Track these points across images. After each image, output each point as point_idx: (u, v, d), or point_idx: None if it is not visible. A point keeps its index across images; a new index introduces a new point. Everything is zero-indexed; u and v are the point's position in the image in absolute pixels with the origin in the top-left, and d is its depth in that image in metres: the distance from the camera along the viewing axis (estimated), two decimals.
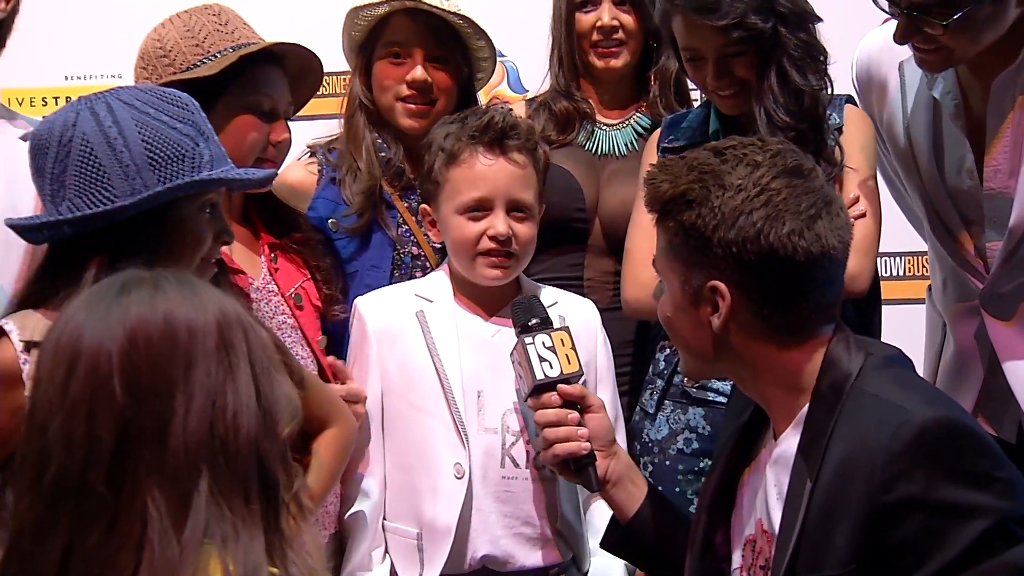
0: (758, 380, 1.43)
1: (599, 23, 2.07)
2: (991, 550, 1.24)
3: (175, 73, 1.73)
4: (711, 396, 1.90)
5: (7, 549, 1.07)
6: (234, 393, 1.07)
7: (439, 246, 1.95)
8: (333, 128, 2.12)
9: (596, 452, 1.58)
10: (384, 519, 1.79)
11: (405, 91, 1.99)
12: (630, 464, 1.64)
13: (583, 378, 1.66)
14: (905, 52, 1.83)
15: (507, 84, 3.09)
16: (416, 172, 2.01)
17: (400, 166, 2.02)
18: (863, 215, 1.82)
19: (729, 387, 1.87)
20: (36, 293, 1.42)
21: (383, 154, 2.02)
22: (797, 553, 1.32)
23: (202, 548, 1.04)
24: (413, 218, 2.02)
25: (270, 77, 1.80)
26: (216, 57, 1.75)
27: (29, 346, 1.35)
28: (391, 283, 1.98)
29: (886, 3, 1.70)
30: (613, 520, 1.62)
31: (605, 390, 1.83)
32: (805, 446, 1.35)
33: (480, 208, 1.74)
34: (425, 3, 1.96)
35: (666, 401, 1.94)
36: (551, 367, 1.59)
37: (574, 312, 1.83)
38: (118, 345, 1.05)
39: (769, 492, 1.41)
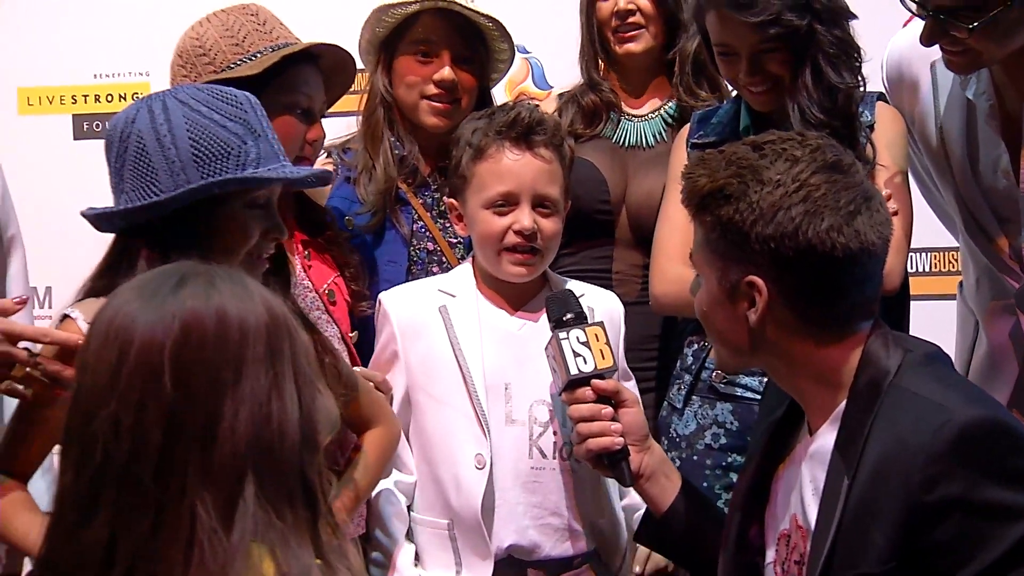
0: (794, 375, 1.42)
1: (616, 8, 2.09)
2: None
3: (215, 72, 1.76)
4: (739, 391, 1.91)
5: (52, 517, 1.09)
6: (280, 402, 1.09)
7: (455, 241, 1.99)
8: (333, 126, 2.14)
9: (630, 447, 1.59)
10: (412, 512, 1.81)
11: (432, 89, 2.02)
12: (663, 458, 1.64)
13: (616, 372, 1.66)
14: (937, 52, 1.82)
15: (531, 81, 3.11)
16: (430, 169, 2.05)
17: (414, 163, 2.06)
18: (895, 213, 1.81)
19: (757, 383, 1.89)
20: (99, 284, 1.48)
21: (397, 152, 2.05)
22: (834, 550, 1.32)
23: (252, 549, 1.05)
24: (428, 214, 2.06)
25: (307, 77, 1.83)
26: (255, 57, 1.78)
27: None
28: (408, 277, 2.02)
29: (913, 5, 1.70)
30: (647, 513, 1.63)
31: (627, 381, 1.84)
32: (842, 443, 1.35)
33: (506, 203, 1.76)
34: (457, 3, 2.00)
35: (694, 396, 1.95)
36: (585, 362, 1.60)
37: (599, 305, 1.84)
38: (172, 338, 1.06)
39: (804, 488, 1.41)
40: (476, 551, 1.76)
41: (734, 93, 2.00)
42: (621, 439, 1.57)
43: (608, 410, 1.58)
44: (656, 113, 2.18)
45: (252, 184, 1.46)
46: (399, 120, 2.07)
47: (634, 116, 2.17)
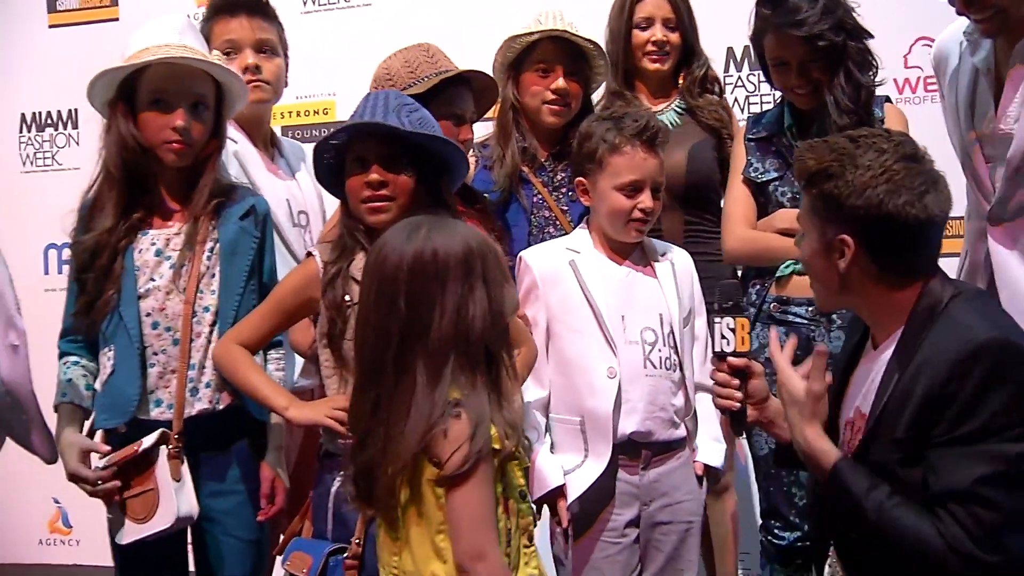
0: (871, 309, 1.78)
1: (653, 38, 2.74)
2: (1005, 439, 1.60)
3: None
4: (790, 318, 2.47)
5: (353, 389, 1.68)
6: (472, 304, 1.56)
7: (565, 209, 2.58)
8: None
9: (751, 406, 1.93)
10: (550, 413, 2.28)
11: (550, 96, 2.63)
12: (779, 409, 1.92)
13: (755, 355, 2.00)
14: (960, 37, 2.26)
15: None
16: (546, 155, 2.66)
17: (533, 152, 2.66)
18: None
19: (804, 311, 2.43)
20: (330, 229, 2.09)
21: (520, 144, 2.64)
22: (879, 423, 1.71)
23: (451, 392, 1.55)
24: (545, 189, 2.65)
25: (460, 93, 2.43)
26: (423, 80, 2.39)
27: (325, 264, 2.03)
28: (529, 238, 2.59)
29: None
30: (778, 444, 2.00)
31: (700, 316, 2.35)
32: (899, 352, 1.72)
33: (635, 188, 2.25)
34: (567, 32, 2.60)
35: (757, 323, 2.49)
36: (728, 344, 1.91)
37: (679, 258, 2.35)
38: (404, 274, 1.57)
39: (866, 386, 1.78)
40: (603, 439, 2.21)
41: (778, 98, 2.61)
42: (738, 404, 1.91)
43: (735, 381, 1.91)
44: (670, 107, 2.83)
45: (323, 147, 2.00)
46: (524, 120, 2.67)
47: (656, 110, 2.79)
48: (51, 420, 2.25)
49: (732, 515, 2.79)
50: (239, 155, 2.60)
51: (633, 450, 2.25)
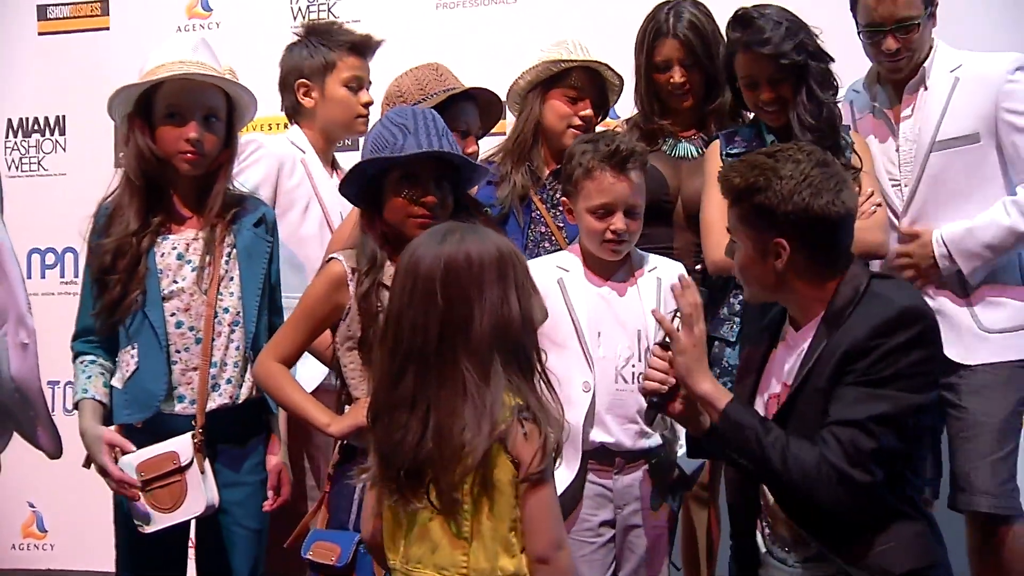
0: (801, 299, 1.99)
1: (672, 80, 2.86)
2: (906, 388, 1.84)
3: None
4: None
5: (376, 384, 1.72)
6: (508, 306, 1.62)
7: (561, 225, 2.69)
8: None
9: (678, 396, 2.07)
10: None
11: (576, 121, 2.79)
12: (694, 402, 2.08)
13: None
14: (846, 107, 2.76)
15: None
16: (548, 172, 2.78)
17: (537, 172, 2.78)
18: (880, 204, 2.57)
19: None
20: (352, 238, 2.18)
21: (529, 166, 2.77)
22: (807, 378, 1.92)
23: (506, 395, 1.58)
24: (543, 205, 2.77)
25: (466, 109, 2.58)
26: (432, 96, 2.53)
27: (356, 273, 2.12)
28: (525, 251, 2.68)
29: (869, 31, 2.62)
30: (688, 436, 2.17)
31: None
32: (825, 323, 1.94)
33: (605, 211, 2.35)
34: (601, 64, 2.80)
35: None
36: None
37: (668, 271, 2.43)
38: (440, 273, 1.62)
39: (793, 361, 1.99)
40: (573, 448, 2.30)
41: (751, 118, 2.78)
42: (666, 388, 2.07)
43: (668, 367, 2.07)
44: (695, 136, 2.95)
45: (386, 163, 2.10)
46: (541, 137, 2.81)
47: (681, 138, 2.93)
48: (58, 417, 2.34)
49: (716, 521, 2.91)
50: (305, 162, 2.78)
51: (606, 456, 2.37)
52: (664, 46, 2.84)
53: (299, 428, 2.41)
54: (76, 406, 2.31)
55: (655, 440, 2.41)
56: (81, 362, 2.32)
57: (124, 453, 2.23)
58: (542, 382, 1.69)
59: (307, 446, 2.71)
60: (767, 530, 2.08)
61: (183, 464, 2.21)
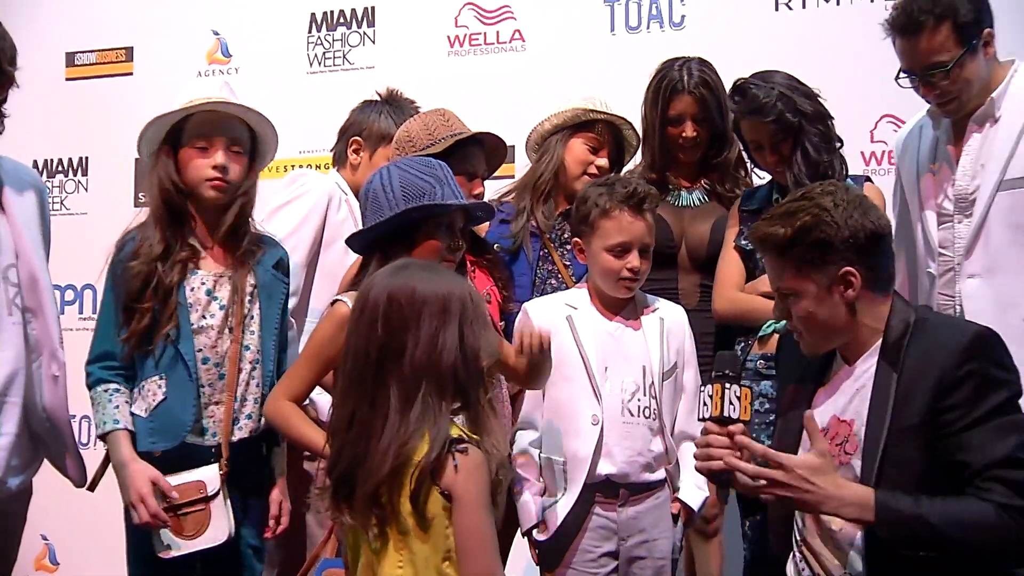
0: (861, 332, 1.93)
1: (684, 134, 2.98)
2: (1010, 409, 1.82)
3: (416, 151, 2.59)
4: (775, 371, 2.61)
5: (333, 405, 1.79)
6: (443, 339, 1.68)
7: (567, 264, 2.79)
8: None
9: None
10: (540, 451, 2.49)
11: (593, 169, 2.91)
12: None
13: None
14: (915, 133, 2.66)
15: None
16: (558, 212, 2.89)
17: (551, 212, 2.90)
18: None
19: None
20: (356, 281, 2.26)
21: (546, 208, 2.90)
22: (893, 416, 1.86)
23: (425, 432, 1.61)
24: (552, 244, 2.89)
25: (473, 152, 2.66)
26: (440, 141, 2.62)
27: None
28: (532, 288, 2.80)
29: (906, 78, 2.52)
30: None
31: (690, 368, 2.54)
32: (886, 356, 1.90)
33: (623, 249, 2.46)
34: (621, 118, 2.97)
35: (742, 378, 2.59)
36: (735, 411, 1.92)
37: (670, 313, 2.54)
38: (383, 303, 1.71)
39: (852, 396, 1.95)
40: (579, 478, 2.40)
41: (766, 178, 2.89)
42: (724, 464, 1.89)
43: (727, 441, 1.91)
44: (698, 185, 3.07)
45: (439, 210, 2.22)
46: (558, 179, 2.93)
47: (684, 188, 3.06)
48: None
49: (719, 557, 2.96)
50: (349, 203, 2.94)
51: (611, 489, 2.43)
52: (680, 102, 2.96)
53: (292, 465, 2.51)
54: (104, 436, 2.32)
55: (660, 474, 2.48)
56: (105, 390, 2.33)
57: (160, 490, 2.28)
58: (484, 415, 1.74)
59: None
60: (805, 569, 2.01)
61: (210, 494, 2.27)
